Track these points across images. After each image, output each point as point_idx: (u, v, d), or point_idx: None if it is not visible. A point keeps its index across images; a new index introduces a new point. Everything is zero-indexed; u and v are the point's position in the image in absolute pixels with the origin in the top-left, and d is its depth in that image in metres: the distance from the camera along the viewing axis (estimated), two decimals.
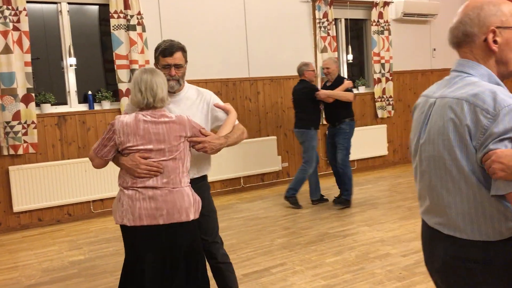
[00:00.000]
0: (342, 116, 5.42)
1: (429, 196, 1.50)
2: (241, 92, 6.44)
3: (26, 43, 5.06)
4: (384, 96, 7.53)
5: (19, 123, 5.06)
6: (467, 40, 1.46)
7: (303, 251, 4.05)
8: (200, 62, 6.13)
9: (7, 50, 4.94)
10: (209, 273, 2.58)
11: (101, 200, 5.59)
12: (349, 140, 5.43)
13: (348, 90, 5.39)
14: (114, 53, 5.56)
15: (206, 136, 2.41)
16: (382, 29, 7.40)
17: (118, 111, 5.67)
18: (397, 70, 7.70)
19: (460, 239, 1.41)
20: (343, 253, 3.96)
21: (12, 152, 5.07)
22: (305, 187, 5.64)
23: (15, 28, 5.02)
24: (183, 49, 2.61)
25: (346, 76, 7.48)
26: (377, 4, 7.32)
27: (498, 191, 1.30)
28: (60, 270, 3.91)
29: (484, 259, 1.38)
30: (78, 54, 5.52)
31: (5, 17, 4.94)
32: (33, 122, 5.14)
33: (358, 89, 7.54)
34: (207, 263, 2.58)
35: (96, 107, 5.66)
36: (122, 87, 5.61)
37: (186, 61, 2.61)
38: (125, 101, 5.63)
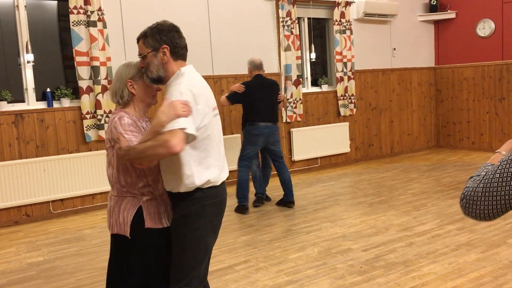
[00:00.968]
0: (243, 121, 5.36)
1: None
2: None
3: None
4: (346, 94, 7.66)
5: None
6: None
7: (266, 248, 4.08)
8: None
9: None
10: None
11: (61, 200, 5.45)
12: (245, 145, 5.28)
13: (229, 94, 5.23)
14: (74, 50, 5.43)
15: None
16: (344, 28, 7.52)
17: (79, 109, 5.55)
18: (358, 69, 7.84)
19: None
20: (306, 249, 4.01)
21: None
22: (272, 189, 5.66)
23: None
24: (143, 36, 2.20)
25: (309, 75, 7.57)
26: (339, 4, 7.43)
27: None
28: (18, 272, 3.80)
29: None
30: (36, 50, 5.36)
31: None
32: None
33: (321, 88, 7.65)
34: None
35: (55, 105, 5.52)
36: (83, 84, 5.49)
37: (153, 48, 2.14)
38: (85, 99, 5.52)
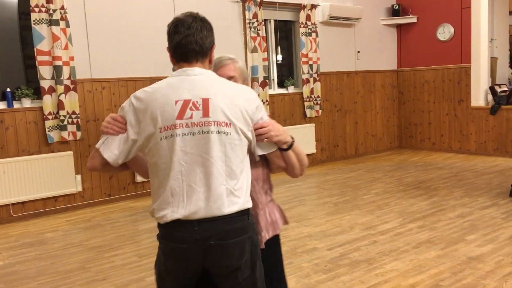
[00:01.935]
0: None
1: None
2: None
3: None
4: (312, 96, 7.77)
5: None
6: None
7: None
8: (127, 59, 6.00)
9: None
10: None
11: (22, 203, 5.30)
12: None
13: None
14: (35, 49, 5.30)
15: None
16: (309, 31, 7.62)
17: (40, 109, 5.41)
18: (324, 71, 7.96)
19: None
20: None
21: None
22: None
23: None
24: None
25: (275, 76, 7.63)
26: (304, 6, 7.53)
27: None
28: None
29: None
30: None
31: None
32: None
33: (287, 89, 7.72)
34: None
35: (16, 105, 5.36)
36: (44, 84, 5.36)
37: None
38: (47, 99, 5.39)
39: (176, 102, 1.68)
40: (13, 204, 5.25)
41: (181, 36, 1.78)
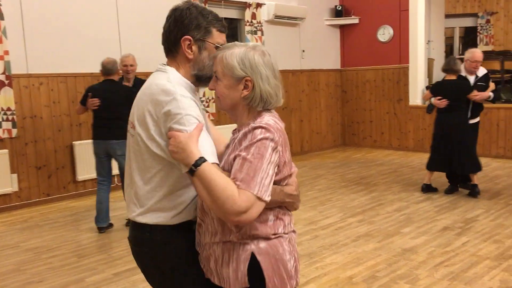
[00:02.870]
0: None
1: None
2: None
3: None
4: None
5: None
6: None
7: None
8: (67, 55, 5.81)
9: None
10: None
11: None
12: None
13: None
14: None
15: None
16: (255, 29, 7.68)
17: None
18: None
19: None
20: None
21: None
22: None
23: None
24: None
25: None
26: (250, 5, 7.57)
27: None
28: None
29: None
30: None
31: None
32: None
33: None
34: None
35: None
36: None
37: None
38: None
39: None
40: None
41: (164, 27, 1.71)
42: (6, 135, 5.35)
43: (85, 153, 5.84)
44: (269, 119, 1.48)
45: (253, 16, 7.64)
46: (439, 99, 5.26)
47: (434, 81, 8.77)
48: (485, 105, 5.94)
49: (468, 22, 11.66)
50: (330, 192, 5.79)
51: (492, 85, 5.37)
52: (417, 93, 8.34)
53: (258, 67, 1.49)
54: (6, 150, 5.36)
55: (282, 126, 1.51)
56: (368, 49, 8.91)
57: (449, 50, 11.63)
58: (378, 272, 3.39)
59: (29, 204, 5.58)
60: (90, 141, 4.69)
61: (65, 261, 3.84)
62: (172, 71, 1.63)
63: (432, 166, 5.48)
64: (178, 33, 1.64)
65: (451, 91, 5.21)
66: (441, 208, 4.94)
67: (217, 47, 1.63)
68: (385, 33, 8.66)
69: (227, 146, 1.58)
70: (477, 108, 5.39)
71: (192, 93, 1.62)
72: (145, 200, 1.61)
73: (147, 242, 1.64)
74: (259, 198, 1.38)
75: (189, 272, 1.64)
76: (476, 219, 4.54)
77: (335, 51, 9.27)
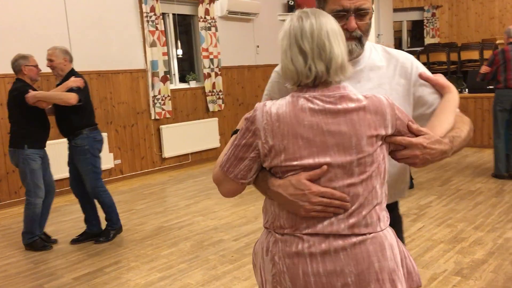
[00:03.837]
0: (76, 127, 4.03)
1: None
2: None
3: None
4: (214, 90, 7.80)
5: None
6: None
7: (138, 247, 4.01)
8: (12, 53, 5.56)
9: None
10: None
11: None
12: (94, 158, 4.09)
13: (73, 90, 3.91)
14: None
15: (417, 135, 1.30)
16: (209, 25, 7.63)
17: None
18: (225, 65, 8.03)
19: None
20: (178, 244, 4.03)
21: None
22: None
23: None
24: None
25: (176, 71, 7.55)
26: (203, 0, 7.52)
27: None
28: None
29: None
30: None
31: None
32: None
33: (189, 84, 7.68)
34: None
35: None
36: None
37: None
38: None
39: None
40: None
41: None
42: None
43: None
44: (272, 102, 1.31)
45: (207, 12, 7.59)
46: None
47: None
48: None
49: (415, 15, 12.08)
50: None
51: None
52: None
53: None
54: None
55: (284, 112, 1.27)
56: None
57: (398, 43, 12.01)
58: None
59: None
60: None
61: (21, 268, 3.71)
62: None
63: None
64: None
65: None
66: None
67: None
68: None
69: None
70: None
71: None
72: None
73: None
74: (226, 176, 1.34)
75: None
76: (430, 205, 4.73)
77: None
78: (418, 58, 10.52)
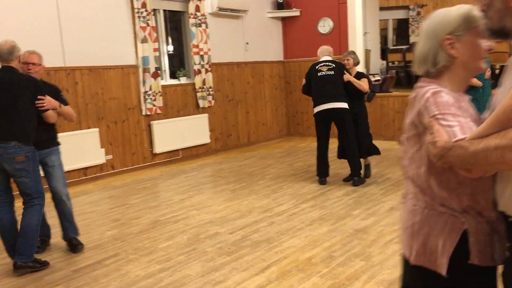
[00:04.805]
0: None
1: None
2: (56, 82, 6.00)
3: None
4: (205, 86, 7.86)
5: None
6: None
7: (135, 240, 4.06)
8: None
9: None
10: None
11: None
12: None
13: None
14: None
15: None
16: (199, 22, 7.68)
17: None
18: (215, 62, 8.09)
19: None
20: (175, 237, 4.10)
21: None
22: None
23: None
24: None
25: (167, 67, 7.58)
26: None
27: None
28: None
29: None
30: None
31: None
32: None
33: (180, 80, 7.72)
34: None
35: None
36: None
37: None
38: None
39: None
40: None
41: None
42: None
43: None
44: None
45: (197, 8, 7.63)
46: None
47: (371, 71, 9.19)
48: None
49: (401, 14, 12.28)
50: (281, 181, 5.96)
51: None
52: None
53: None
54: None
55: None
56: (309, 41, 9.16)
57: (383, 41, 12.20)
58: (335, 252, 3.59)
59: None
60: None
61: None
62: None
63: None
64: None
65: None
66: (386, 190, 5.25)
67: None
68: (325, 25, 8.94)
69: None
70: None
71: None
72: None
73: None
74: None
75: None
76: None
77: (277, 43, 9.46)
78: (404, 56, 10.74)
